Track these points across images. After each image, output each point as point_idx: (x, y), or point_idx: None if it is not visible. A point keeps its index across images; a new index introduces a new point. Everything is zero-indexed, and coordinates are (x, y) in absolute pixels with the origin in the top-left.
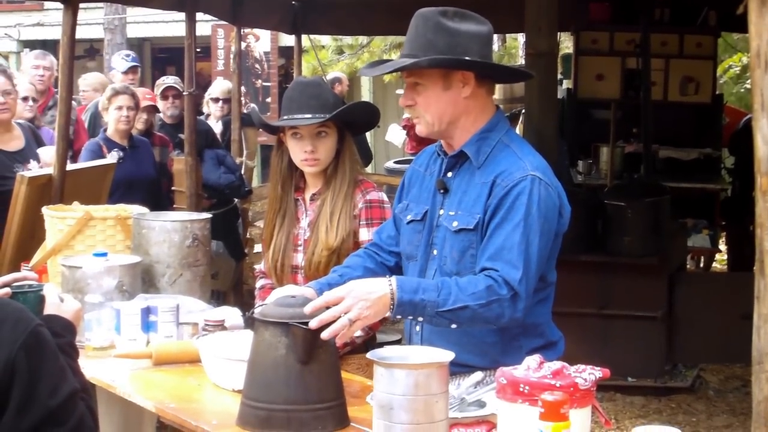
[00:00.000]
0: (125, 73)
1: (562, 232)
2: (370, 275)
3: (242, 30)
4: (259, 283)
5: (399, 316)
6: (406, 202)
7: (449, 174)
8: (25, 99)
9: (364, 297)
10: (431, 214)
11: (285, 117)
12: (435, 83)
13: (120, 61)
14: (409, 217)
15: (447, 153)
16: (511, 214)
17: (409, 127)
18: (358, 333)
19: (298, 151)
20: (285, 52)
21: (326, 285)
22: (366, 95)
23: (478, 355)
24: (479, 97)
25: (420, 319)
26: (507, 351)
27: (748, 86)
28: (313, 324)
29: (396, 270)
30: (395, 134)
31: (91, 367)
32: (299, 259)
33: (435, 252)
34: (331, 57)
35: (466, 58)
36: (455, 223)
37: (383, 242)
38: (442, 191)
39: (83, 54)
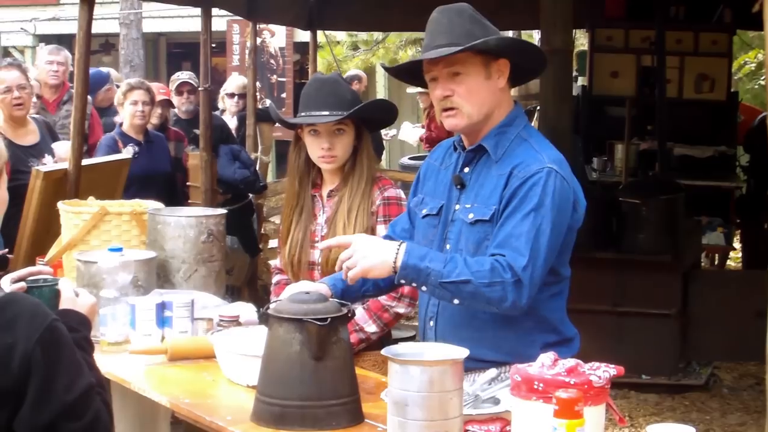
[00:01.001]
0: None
1: (576, 227)
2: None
3: (258, 25)
4: (274, 279)
5: (403, 281)
6: (421, 195)
7: (466, 169)
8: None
9: (368, 247)
10: (447, 209)
11: (303, 114)
12: (478, 72)
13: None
14: (424, 212)
15: (465, 147)
16: (524, 204)
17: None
18: (374, 329)
19: (316, 148)
20: (300, 48)
21: (340, 280)
22: (381, 92)
23: (491, 349)
24: (506, 89)
25: (423, 288)
26: (521, 346)
27: (763, 82)
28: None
29: None
30: (408, 132)
31: (106, 363)
32: (316, 255)
33: (448, 246)
34: (346, 53)
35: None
36: (471, 215)
37: (397, 235)
38: (459, 187)
39: (99, 49)
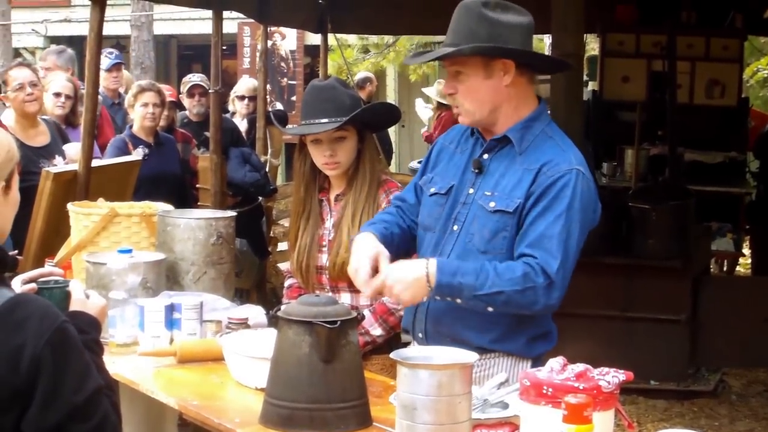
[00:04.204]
0: (108, 71)
1: (592, 228)
2: (399, 236)
3: (269, 28)
4: (287, 282)
5: (438, 297)
6: (431, 174)
7: (485, 156)
8: (57, 95)
9: (399, 275)
10: (458, 190)
11: (303, 122)
12: (476, 72)
13: (103, 59)
14: (432, 190)
15: (485, 137)
16: (555, 205)
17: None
18: (379, 332)
19: (319, 156)
20: (311, 51)
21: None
22: (391, 95)
23: (479, 334)
24: (519, 85)
25: (458, 300)
26: (505, 337)
27: None
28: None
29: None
30: (422, 111)
31: (114, 364)
32: (324, 259)
33: (455, 228)
34: (356, 56)
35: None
36: (492, 204)
37: (397, 207)
38: (476, 171)
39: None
